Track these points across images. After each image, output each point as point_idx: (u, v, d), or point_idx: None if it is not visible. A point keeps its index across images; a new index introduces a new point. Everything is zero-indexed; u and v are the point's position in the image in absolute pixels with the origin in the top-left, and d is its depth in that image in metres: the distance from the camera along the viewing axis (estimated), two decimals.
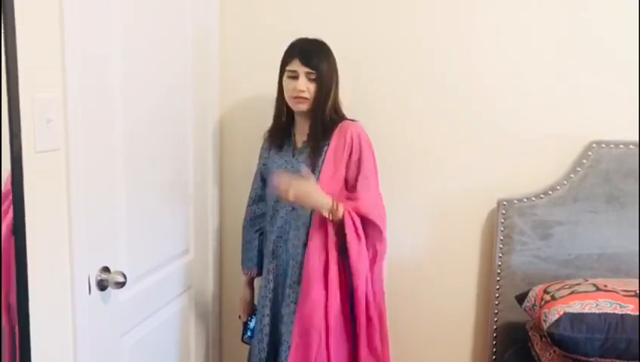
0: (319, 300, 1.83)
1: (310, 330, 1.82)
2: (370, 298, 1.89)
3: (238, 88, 2.36)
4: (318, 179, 1.88)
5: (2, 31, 1.16)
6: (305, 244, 1.90)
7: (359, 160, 1.89)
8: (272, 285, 2.00)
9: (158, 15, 1.84)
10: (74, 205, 1.44)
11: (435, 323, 2.33)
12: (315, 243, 1.86)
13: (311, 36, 1.95)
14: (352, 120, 1.96)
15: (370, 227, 1.87)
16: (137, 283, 1.78)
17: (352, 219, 1.83)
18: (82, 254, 1.48)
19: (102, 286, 1.57)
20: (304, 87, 1.88)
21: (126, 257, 1.69)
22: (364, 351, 1.89)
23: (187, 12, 2.04)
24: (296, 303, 1.89)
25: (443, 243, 2.29)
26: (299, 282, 1.90)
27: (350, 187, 1.91)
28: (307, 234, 1.90)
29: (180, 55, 2.02)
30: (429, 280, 2.31)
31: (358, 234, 1.84)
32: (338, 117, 1.95)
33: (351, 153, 1.89)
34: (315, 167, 1.91)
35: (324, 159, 1.91)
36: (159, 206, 1.92)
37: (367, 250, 1.87)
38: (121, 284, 1.58)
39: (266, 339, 1.99)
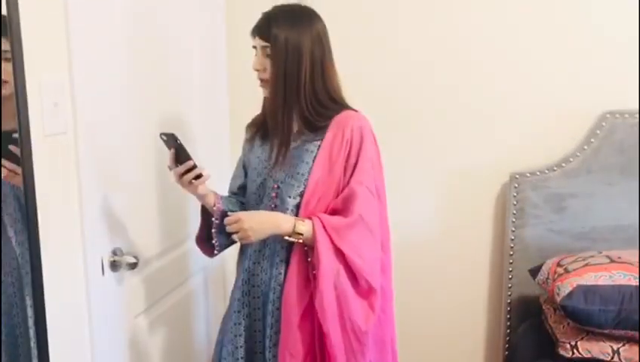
0: (305, 328, 1.48)
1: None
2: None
3: (247, 66, 2.34)
4: (306, 183, 1.49)
5: (7, 14, 1.16)
6: (287, 261, 1.52)
7: (357, 162, 1.48)
8: (246, 310, 1.59)
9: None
10: (84, 188, 1.45)
11: (448, 297, 2.33)
12: (292, 270, 1.49)
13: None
14: (354, 110, 1.54)
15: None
16: (150, 264, 1.79)
17: (324, 232, 1.44)
18: (94, 236, 1.50)
19: (115, 267, 1.59)
20: (259, 65, 1.49)
21: (138, 239, 1.71)
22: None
23: None
24: (278, 332, 1.51)
25: (456, 218, 2.28)
26: (279, 307, 1.52)
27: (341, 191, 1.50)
28: (289, 249, 1.52)
29: (187, 34, 2.01)
30: (443, 255, 2.30)
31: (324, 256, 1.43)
32: (335, 105, 1.52)
33: (350, 152, 1.48)
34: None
35: (315, 158, 1.50)
36: (170, 187, 1.92)
37: (358, 280, 1.47)
38: (133, 266, 1.60)
39: None
